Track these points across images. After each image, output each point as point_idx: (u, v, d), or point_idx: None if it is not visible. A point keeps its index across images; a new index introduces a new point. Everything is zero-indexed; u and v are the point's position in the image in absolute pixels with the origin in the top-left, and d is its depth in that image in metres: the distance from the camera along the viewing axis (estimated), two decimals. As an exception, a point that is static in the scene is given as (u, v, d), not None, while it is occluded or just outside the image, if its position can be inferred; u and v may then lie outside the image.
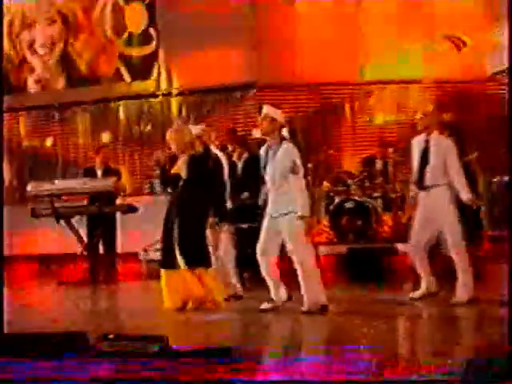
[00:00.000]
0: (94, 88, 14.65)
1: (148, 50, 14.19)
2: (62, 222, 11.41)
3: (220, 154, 9.05)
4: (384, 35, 13.59)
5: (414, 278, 9.25)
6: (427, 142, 8.19)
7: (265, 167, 7.72)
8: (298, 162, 7.62)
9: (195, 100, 13.98)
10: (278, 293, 7.85)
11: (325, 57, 13.35)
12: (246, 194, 9.55)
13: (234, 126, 12.09)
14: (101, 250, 11.31)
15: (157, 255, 11.36)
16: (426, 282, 8.36)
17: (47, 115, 14.96)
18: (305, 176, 8.95)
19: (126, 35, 14.37)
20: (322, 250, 10.94)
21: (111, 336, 5.27)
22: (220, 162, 8.79)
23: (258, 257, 7.76)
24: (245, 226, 9.54)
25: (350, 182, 11.75)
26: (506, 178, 11.01)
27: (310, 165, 11.56)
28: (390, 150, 11.78)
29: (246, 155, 10.24)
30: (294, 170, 7.56)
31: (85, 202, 11.43)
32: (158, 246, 11.63)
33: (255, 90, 13.47)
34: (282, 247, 7.88)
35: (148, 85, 14.26)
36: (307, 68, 13.48)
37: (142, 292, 10.96)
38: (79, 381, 4.57)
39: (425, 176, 8.10)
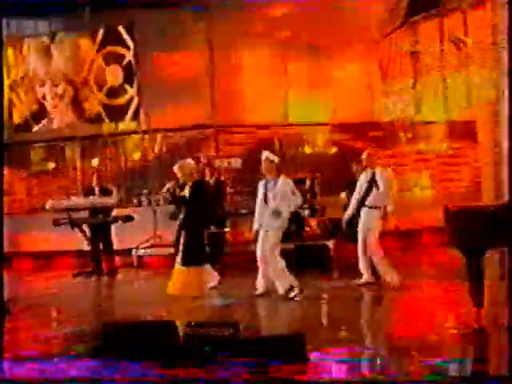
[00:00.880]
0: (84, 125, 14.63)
1: (123, 100, 14.16)
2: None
3: (211, 180, 9.43)
4: (303, 87, 13.65)
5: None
6: (373, 174, 8.24)
7: (265, 193, 7.89)
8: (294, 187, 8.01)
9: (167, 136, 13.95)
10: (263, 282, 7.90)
11: (260, 103, 13.39)
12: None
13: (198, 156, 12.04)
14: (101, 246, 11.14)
15: (146, 252, 11.88)
16: (367, 272, 8.33)
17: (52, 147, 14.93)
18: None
19: (105, 89, 14.40)
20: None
21: (193, 323, 4.97)
22: (211, 186, 9.18)
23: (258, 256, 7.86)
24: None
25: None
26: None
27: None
28: (318, 173, 11.86)
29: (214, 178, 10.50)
30: (294, 192, 7.94)
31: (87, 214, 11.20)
32: (145, 244, 12.03)
33: (213, 129, 13.47)
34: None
35: (127, 125, 14.25)
36: (248, 112, 13.50)
37: (141, 279, 10.92)
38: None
39: (367, 199, 8.19)
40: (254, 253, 7.99)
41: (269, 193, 7.84)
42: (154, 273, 11.12)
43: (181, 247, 8.01)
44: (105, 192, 11.21)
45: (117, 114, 14.38)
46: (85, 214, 11.33)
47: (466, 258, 5.75)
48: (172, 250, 9.79)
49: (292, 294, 7.54)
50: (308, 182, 11.54)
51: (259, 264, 7.85)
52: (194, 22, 13.49)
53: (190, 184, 8.04)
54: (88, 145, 14.56)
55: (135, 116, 14.12)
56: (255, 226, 7.94)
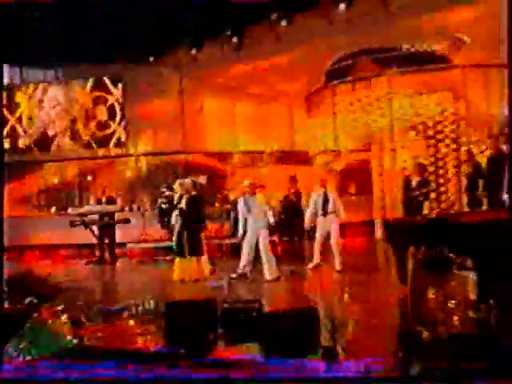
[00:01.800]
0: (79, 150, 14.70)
1: (108, 132, 14.38)
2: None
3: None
4: (248, 125, 14.01)
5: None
6: (325, 191, 8.39)
7: (248, 206, 7.85)
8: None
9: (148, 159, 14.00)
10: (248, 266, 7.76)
11: (217, 135, 13.73)
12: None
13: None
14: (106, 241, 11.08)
15: (140, 246, 11.81)
16: (318, 258, 8.41)
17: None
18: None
19: (93, 123, 14.54)
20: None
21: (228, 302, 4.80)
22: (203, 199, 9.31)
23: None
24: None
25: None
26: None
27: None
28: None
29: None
30: (268, 205, 8.06)
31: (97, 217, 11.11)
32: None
33: (185, 155, 13.63)
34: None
35: (114, 151, 14.39)
36: (209, 142, 13.85)
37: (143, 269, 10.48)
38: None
39: (326, 208, 8.29)
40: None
41: (251, 206, 7.82)
42: (141, 261, 11.01)
43: (185, 242, 7.93)
44: (110, 202, 11.19)
45: (102, 142, 14.50)
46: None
47: (395, 252, 6.11)
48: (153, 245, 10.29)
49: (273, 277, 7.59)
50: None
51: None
52: (168, 75, 13.70)
53: (187, 196, 8.10)
54: (82, 164, 14.48)
55: (117, 144, 14.28)
56: (241, 231, 7.90)
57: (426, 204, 8.43)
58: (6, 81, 14.71)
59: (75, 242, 12.11)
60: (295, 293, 7.06)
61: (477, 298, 5.19)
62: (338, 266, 8.16)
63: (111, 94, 14.50)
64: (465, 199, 9.49)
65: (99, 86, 14.68)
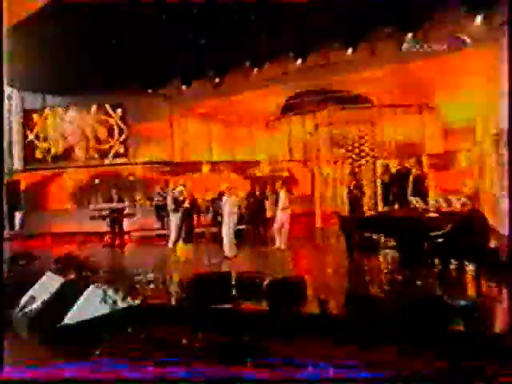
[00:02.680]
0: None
1: (107, 147, 14.13)
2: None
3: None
4: (224, 140, 14.05)
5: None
6: (278, 193, 8.70)
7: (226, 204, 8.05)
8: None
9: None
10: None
11: (198, 148, 13.72)
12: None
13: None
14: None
15: (140, 234, 11.75)
16: (278, 242, 8.63)
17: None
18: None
19: (96, 139, 14.39)
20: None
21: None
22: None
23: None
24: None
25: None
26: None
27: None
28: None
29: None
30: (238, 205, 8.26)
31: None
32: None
33: (173, 165, 13.67)
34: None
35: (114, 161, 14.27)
36: (193, 154, 13.90)
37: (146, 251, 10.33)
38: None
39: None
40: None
41: (226, 205, 8.07)
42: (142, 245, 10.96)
43: (183, 233, 8.32)
44: (119, 200, 11.39)
45: (102, 154, 14.46)
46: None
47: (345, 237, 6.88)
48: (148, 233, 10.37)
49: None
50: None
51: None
52: (159, 102, 13.66)
53: (189, 198, 8.57)
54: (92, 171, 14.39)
55: (115, 156, 14.30)
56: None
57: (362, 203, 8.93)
58: (26, 104, 14.43)
59: (86, 230, 12.05)
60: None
61: (399, 266, 5.87)
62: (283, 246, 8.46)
63: (111, 117, 14.43)
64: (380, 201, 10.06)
65: (100, 110, 14.56)
